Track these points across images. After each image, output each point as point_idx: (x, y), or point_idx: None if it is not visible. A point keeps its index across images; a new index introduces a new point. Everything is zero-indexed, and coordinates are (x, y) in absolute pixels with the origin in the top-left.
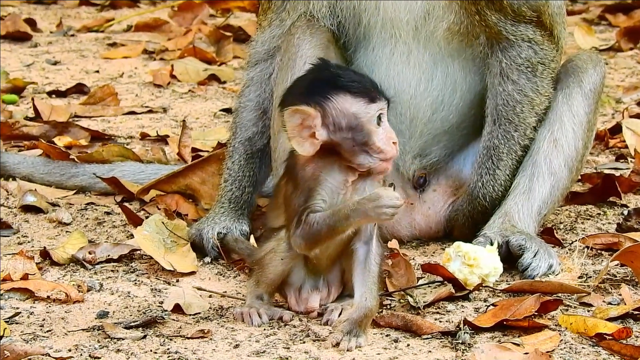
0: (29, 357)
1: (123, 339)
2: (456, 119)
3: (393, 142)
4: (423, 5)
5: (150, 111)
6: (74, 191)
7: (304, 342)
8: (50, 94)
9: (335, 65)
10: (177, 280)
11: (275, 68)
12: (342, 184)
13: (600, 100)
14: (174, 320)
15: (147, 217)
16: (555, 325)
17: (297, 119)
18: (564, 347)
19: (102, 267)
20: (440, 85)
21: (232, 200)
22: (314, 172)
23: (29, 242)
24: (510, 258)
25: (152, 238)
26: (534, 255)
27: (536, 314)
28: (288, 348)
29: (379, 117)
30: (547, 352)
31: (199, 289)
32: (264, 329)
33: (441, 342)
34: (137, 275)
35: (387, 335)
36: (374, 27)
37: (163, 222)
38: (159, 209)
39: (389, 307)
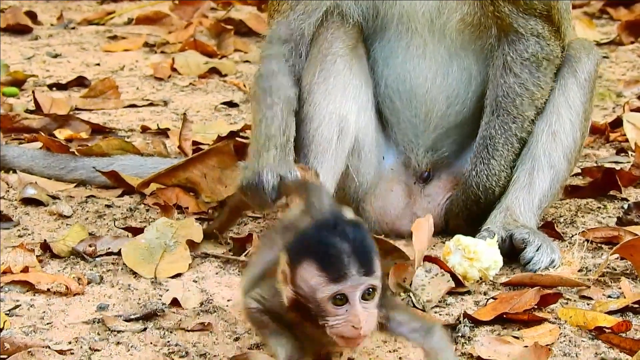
0: (29, 350)
1: (123, 332)
2: (470, 113)
3: (354, 327)
4: None
5: (151, 104)
6: (74, 184)
7: None
8: (50, 86)
9: (339, 225)
10: (179, 275)
11: (303, 52)
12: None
13: (596, 87)
14: (174, 313)
15: (147, 211)
16: (555, 319)
17: (282, 264)
18: (564, 340)
19: (102, 259)
20: (456, 78)
21: (279, 147)
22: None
23: (29, 234)
24: (512, 252)
25: (147, 247)
26: (537, 250)
27: (536, 307)
28: None
29: (341, 298)
30: (547, 345)
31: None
32: None
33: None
34: None
35: None
36: (391, 20)
37: (170, 224)
38: (161, 206)
39: None
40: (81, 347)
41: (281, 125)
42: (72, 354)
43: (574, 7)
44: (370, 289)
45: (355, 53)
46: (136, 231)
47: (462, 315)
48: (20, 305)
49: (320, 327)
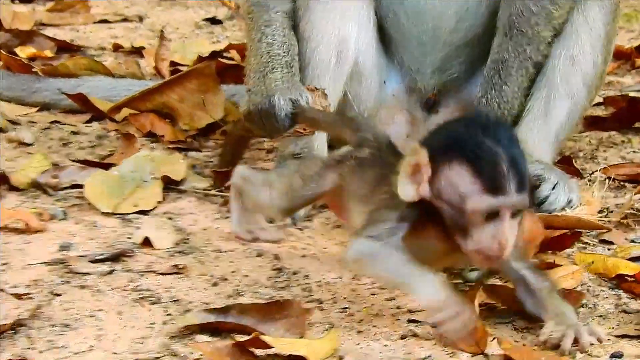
0: None
1: (88, 274)
2: (481, 30)
3: (500, 243)
4: None
5: (125, 20)
6: (37, 108)
7: (290, 279)
8: None
9: (493, 127)
10: (153, 209)
11: None
12: (437, 245)
13: (620, 7)
14: (145, 254)
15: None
16: (572, 265)
17: (413, 159)
18: (581, 289)
19: (66, 193)
20: None
21: (285, 66)
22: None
23: None
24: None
25: (119, 180)
26: (553, 188)
27: (549, 251)
28: (274, 287)
29: (494, 214)
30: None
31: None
32: (246, 265)
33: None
34: None
35: None
36: None
37: (151, 158)
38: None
39: None
40: (41, 291)
41: (284, 42)
42: (30, 298)
43: None
44: (521, 205)
45: None
46: (104, 163)
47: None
48: None
49: (448, 236)
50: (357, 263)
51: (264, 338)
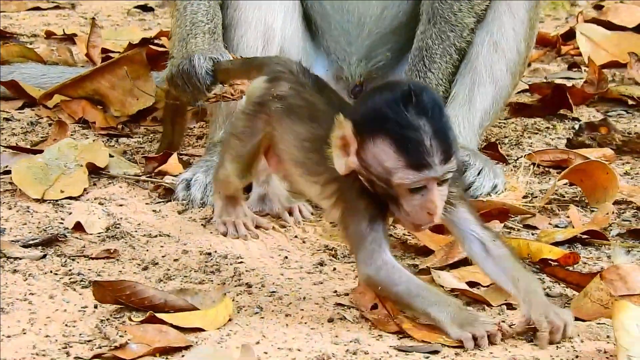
0: None
1: (20, 259)
2: (406, 18)
3: (428, 213)
4: None
5: (57, 7)
6: None
7: (219, 263)
8: None
9: (416, 98)
10: (85, 192)
11: None
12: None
13: None
14: (77, 238)
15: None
16: None
17: (340, 132)
18: None
19: None
20: None
21: (207, 32)
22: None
23: None
24: None
25: (44, 167)
26: (478, 173)
27: None
28: (204, 271)
29: (420, 188)
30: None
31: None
32: (176, 250)
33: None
34: None
35: (312, 255)
36: None
37: (75, 146)
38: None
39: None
40: None
41: (208, 11)
42: None
43: None
44: (448, 175)
45: None
46: (35, 149)
47: None
48: None
49: (382, 202)
50: (373, 287)
51: (159, 316)
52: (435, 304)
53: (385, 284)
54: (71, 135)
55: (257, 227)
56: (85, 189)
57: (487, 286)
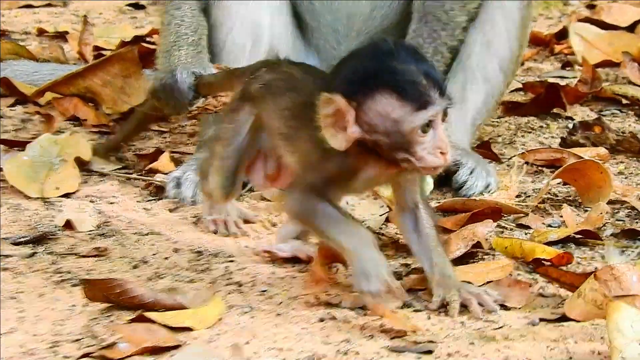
0: None
1: (10, 256)
2: (397, 17)
3: (441, 153)
4: None
5: (49, 5)
6: None
7: (210, 262)
8: None
9: (396, 48)
10: (76, 191)
11: None
12: (378, 174)
13: None
14: (67, 236)
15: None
16: (489, 249)
17: (329, 109)
18: (501, 277)
19: None
20: None
21: (191, 44)
22: (347, 161)
23: None
24: (443, 175)
25: (31, 164)
26: (470, 172)
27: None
28: (195, 269)
29: (428, 124)
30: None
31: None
32: (167, 248)
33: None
34: None
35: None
36: None
37: (55, 141)
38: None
39: None
40: None
41: (192, 22)
42: None
43: None
44: (446, 110)
45: None
46: (23, 145)
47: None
48: None
49: (386, 164)
50: (294, 216)
51: (149, 315)
52: (355, 243)
53: (311, 221)
54: (62, 132)
55: (246, 222)
56: (79, 184)
57: (480, 286)
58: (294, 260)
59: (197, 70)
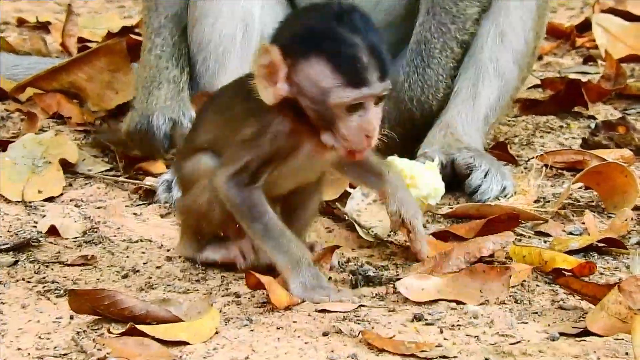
0: None
1: None
2: (402, 11)
3: (366, 136)
4: None
5: None
6: None
7: (205, 271)
8: None
9: (347, 15)
10: (60, 195)
11: None
12: (313, 153)
13: None
14: (51, 243)
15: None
16: (506, 258)
17: (264, 59)
18: (515, 284)
19: None
20: None
21: (171, 81)
22: (282, 133)
23: None
24: (456, 178)
25: (13, 165)
26: (485, 176)
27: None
28: (189, 279)
29: (357, 106)
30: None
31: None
32: (159, 256)
33: None
34: None
35: None
36: None
37: (39, 141)
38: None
39: None
40: None
41: (173, 53)
42: None
43: None
44: (385, 92)
45: None
46: (5, 144)
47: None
48: None
49: (316, 131)
50: (231, 205)
51: (140, 327)
52: (287, 254)
53: (246, 216)
54: (45, 131)
55: None
56: (64, 187)
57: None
58: None
59: (175, 116)
